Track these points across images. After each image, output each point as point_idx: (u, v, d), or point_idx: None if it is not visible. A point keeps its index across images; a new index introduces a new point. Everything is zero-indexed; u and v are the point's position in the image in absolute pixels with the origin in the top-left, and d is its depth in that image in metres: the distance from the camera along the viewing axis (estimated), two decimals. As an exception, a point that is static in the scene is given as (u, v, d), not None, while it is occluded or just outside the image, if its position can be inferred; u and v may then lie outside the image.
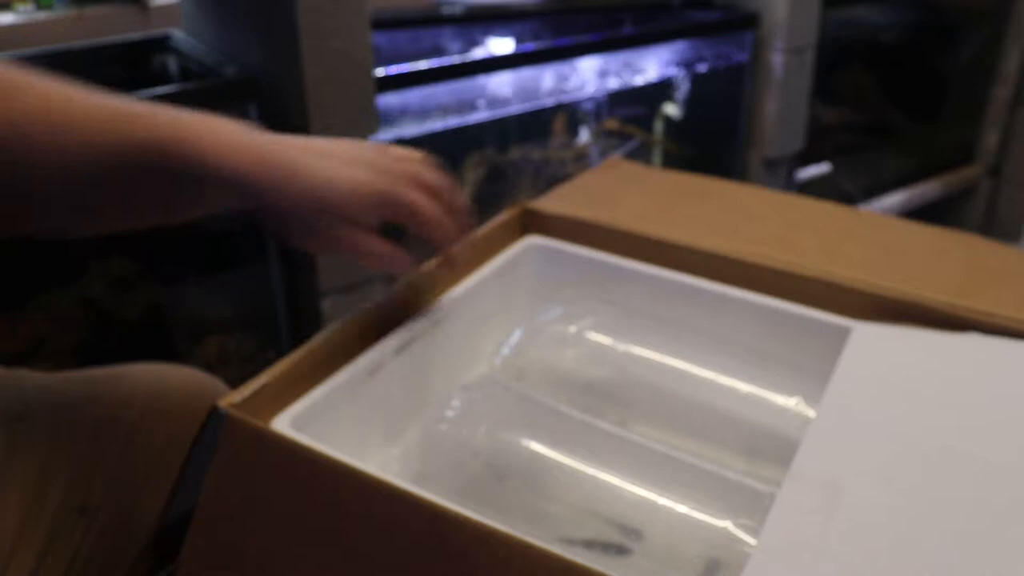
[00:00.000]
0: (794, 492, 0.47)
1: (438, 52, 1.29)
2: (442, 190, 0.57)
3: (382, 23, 1.29)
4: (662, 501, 0.52)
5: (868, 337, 0.61)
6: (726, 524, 0.50)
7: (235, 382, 0.69)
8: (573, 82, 1.44)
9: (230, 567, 0.48)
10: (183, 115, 0.52)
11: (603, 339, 0.67)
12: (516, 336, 0.67)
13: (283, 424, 0.52)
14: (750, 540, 0.49)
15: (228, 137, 0.51)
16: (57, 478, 0.59)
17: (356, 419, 0.58)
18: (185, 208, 0.55)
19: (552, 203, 0.77)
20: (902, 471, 0.49)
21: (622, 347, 0.66)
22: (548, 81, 1.41)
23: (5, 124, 0.50)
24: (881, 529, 0.45)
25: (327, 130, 1.10)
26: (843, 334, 0.61)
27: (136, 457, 0.63)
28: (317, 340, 0.57)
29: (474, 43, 1.38)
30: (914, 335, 0.61)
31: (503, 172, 1.50)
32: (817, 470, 0.48)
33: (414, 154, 0.58)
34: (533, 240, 0.75)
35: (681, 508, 0.51)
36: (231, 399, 0.50)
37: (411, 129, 1.25)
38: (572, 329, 0.67)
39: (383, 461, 0.60)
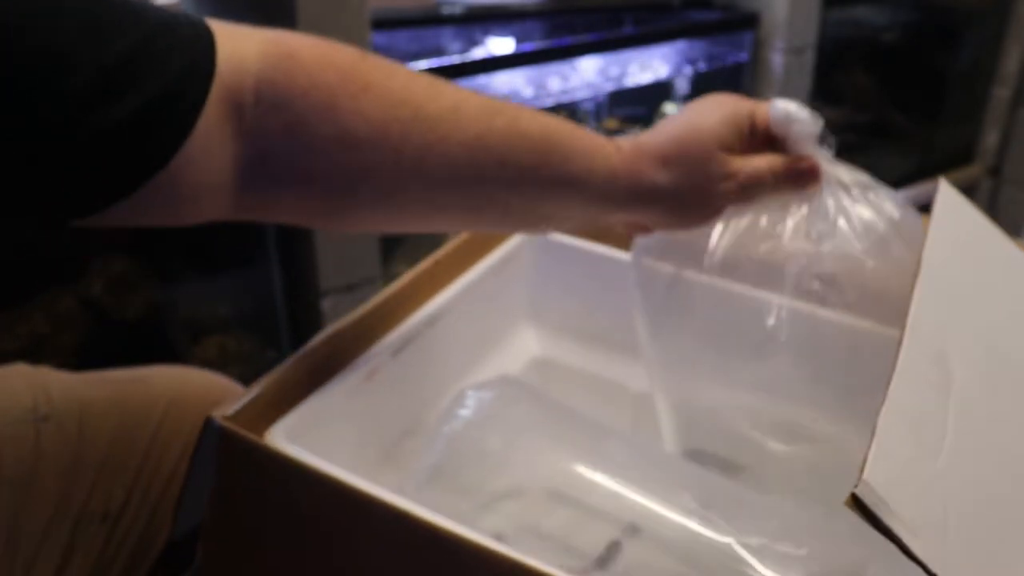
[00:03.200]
0: (912, 361, 0.42)
1: (438, 52, 1.29)
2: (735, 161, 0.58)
3: (382, 23, 1.29)
4: (671, 515, 0.51)
5: (952, 203, 0.59)
6: (729, 541, 0.49)
7: (236, 382, 0.69)
8: (573, 82, 1.44)
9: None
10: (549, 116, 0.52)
11: (601, 336, 0.66)
12: (515, 333, 0.67)
13: (278, 436, 0.50)
14: (750, 559, 0.48)
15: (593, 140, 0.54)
16: (81, 483, 0.60)
17: (354, 425, 0.57)
18: (541, 210, 0.55)
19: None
20: (1003, 346, 0.47)
21: (621, 343, 0.65)
22: (548, 81, 1.40)
23: (358, 119, 0.46)
24: (992, 406, 0.43)
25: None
26: (856, 338, 0.60)
27: (156, 463, 0.63)
28: (312, 346, 0.56)
29: (474, 43, 1.37)
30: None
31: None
32: (928, 339, 0.45)
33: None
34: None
35: (688, 522, 0.51)
36: (224, 411, 0.49)
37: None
38: (572, 325, 0.66)
39: (383, 468, 0.59)
